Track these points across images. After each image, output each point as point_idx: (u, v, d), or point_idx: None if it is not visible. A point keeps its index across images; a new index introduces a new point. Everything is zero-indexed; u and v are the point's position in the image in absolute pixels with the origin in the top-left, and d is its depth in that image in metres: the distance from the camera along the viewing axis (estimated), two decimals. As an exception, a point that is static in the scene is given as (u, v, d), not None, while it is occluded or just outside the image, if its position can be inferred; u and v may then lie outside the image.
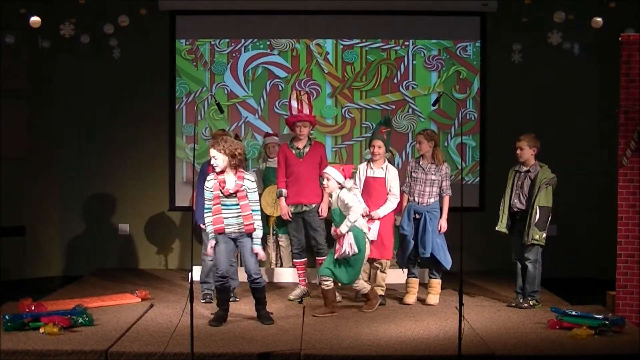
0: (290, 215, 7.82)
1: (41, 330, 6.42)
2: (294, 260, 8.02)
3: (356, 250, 7.10)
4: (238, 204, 6.71)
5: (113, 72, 9.60)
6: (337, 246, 7.17)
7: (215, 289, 7.14)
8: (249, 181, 6.75)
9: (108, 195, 9.80)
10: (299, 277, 8.02)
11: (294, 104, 7.76)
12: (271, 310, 7.34)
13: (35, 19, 8.03)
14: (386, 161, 7.69)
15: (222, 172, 6.71)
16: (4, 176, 9.21)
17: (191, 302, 5.83)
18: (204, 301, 7.67)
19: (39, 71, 9.50)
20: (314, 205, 7.76)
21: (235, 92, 9.80)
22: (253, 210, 6.76)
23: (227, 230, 6.78)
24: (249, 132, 9.77)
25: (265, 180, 8.94)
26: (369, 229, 7.42)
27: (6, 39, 8.85)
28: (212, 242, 6.86)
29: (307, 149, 7.78)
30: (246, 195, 6.72)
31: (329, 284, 7.21)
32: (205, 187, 6.77)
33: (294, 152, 7.79)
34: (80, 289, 8.41)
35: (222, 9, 9.72)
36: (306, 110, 7.75)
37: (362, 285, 7.37)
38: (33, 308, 6.80)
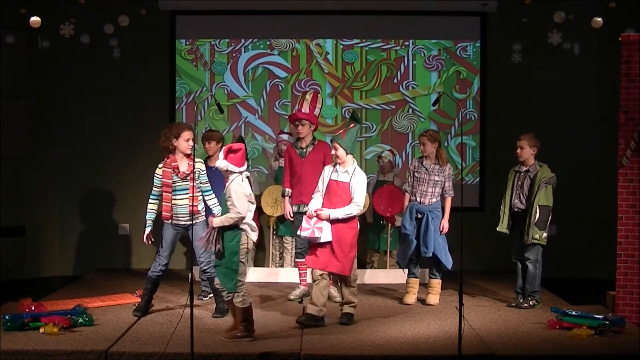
0: (292, 215, 7.83)
1: (41, 330, 6.42)
2: (296, 260, 8.02)
3: (212, 249, 6.28)
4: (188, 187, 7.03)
5: (113, 72, 9.60)
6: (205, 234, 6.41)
7: (148, 278, 7.21)
8: (200, 162, 7.16)
9: (108, 196, 9.80)
10: (300, 277, 8.02)
11: (298, 105, 7.80)
12: (271, 310, 7.35)
13: (35, 19, 8.03)
14: (354, 164, 6.93)
15: (175, 159, 7.07)
16: (4, 176, 9.21)
17: (191, 302, 5.83)
18: (198, 298, 7.68)
19: (39, 71, 9.50)
20: (315, 205, 7.75)
21: (235, 92, 9.79)
22: (204, 192, 7.20)
23: (178, 220, 7.09)
24: (249, 132, 9.77)
25: (277, 180, 8.91)
26: (320, 229, 6.73)
27: (6, 39, 8.86)
28: (148, 230, 7.11)
29: (309, 149, 7.78)
30: (195, 178, 7.02)
31: (237, 300, 6.29)
32: (155, 175, 7.11)
33: (297, 151, 7.80)
34: (80, 289, 8.41)
35: (222, 9, 9.72)
36: (305, 109, 7.74)
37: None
38: (33, 308, 6.79)
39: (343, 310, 7.00)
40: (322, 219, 6.80)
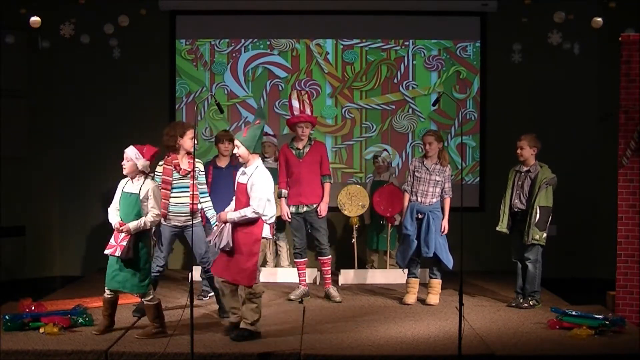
0: (290, 216, 7.83)
1: (41, 330, 6.43)
2: (295, 260, 8.02)
3: (130, 255, 6.29)
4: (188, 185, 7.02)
5: (113, 72, 9.60)
6: (113, 242, 6.34)
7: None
8: (199, 163, 7.19)
9: (108, 196, 9.74)
10: (300, 277, 8.02)
11: (295, 104, 7.76)
12: (271, 310, 7.34)
13: (35, 19, 8.02)
14: (256, 164, 6.35)
15: (176, 157, 7.07)
16: (4, 176, 9.21)
17: (191, 302, 5.82)
18: (198, 297, 7.67)
19: (39, 71, 9.50)
20: (314, 206, 7.76)
21: (235, 92, 9.79)
22: (200, 193, 7.15)
23: (174, 220, 7.03)
24: (249, 132, 9.76)
25: None
26: (214, 234, 6.40)
27: (6, 39, 8.86)
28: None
29: (306, 149, 7.78)
30: (195, 177, 7.01)
31: (147, 299, 6.36)
32: (155, 173, 7.09)
33: (293, 152, 7.79)
34: (80, 289, 8.41)
35: (222, 9, 9.73)
36: (307, 111, 7.75)
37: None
38: (33, 308, 6.79)
39: (240, 324, 6.39)
40: (221, 222, 6.38)
